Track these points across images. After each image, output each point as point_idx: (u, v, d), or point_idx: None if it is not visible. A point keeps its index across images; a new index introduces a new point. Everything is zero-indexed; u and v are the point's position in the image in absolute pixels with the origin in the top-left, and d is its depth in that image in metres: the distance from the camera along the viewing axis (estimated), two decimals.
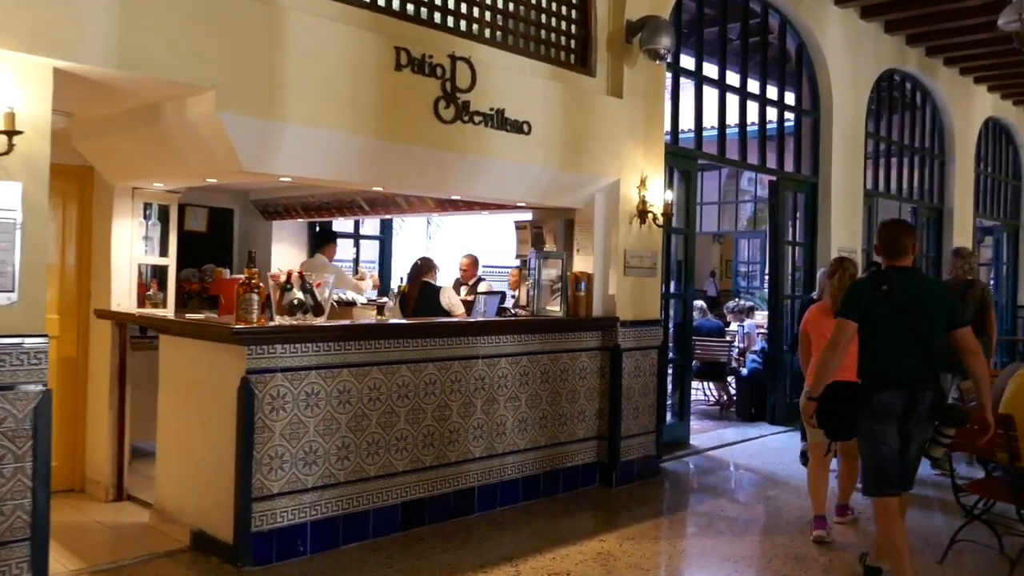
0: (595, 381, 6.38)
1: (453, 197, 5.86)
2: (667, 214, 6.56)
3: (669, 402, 7.93)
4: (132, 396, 5.62)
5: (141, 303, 5.75)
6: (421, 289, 6.88)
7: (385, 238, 10.51)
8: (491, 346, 5.63)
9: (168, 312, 5.83)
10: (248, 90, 4.23)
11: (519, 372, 5.82)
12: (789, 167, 9.43)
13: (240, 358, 4.40)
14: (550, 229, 6.60)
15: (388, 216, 8.27)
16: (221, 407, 4.50)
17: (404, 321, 5.99)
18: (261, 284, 4.53)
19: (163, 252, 5.90)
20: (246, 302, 4.43)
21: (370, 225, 10.59)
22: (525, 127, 5.59)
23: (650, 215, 6.55)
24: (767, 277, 9.88)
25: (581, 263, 6.45)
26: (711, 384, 10.21)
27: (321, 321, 4.77)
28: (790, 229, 9.46)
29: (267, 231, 9.76)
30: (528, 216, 6.90)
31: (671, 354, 7.91)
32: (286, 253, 9.71)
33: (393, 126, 4.89)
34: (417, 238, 15.65)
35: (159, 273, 5.91)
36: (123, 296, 5.57)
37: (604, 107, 6.24)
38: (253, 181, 7.55)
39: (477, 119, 5.28)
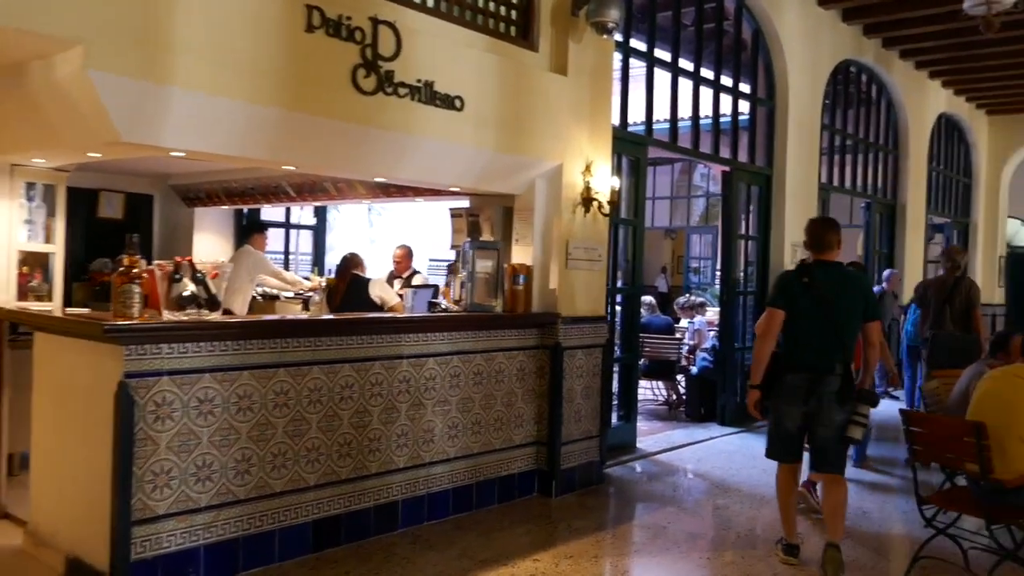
0: (534, 382, 5.88)
1: (378, 180, 5.29)
2: (613, 202, 6.08)
3: (615, 403, 7.48)
4: (12, 400, 4.97)
5: (22, 295, 5.10)
6: (349, 283, 6.32)
7: (319, 228, 9.90)
8: (417, 345, 5.10)
9: (53, 306, 5.18)
10: (124, 46, 3.62)
11: (449, 373, 5.29)
12: (743, 158, 9.03)
13: (117, 359, 3.79)
14: (487, 217, 6.07)
15: (318, 203, 7.68)
16: (97, 416, 3.89)
17: (316, 317, 5.43)
18: (145, 274, 3.93)
19: (48, 238, 5.24)
20: (125, 294, 3.83)
21: (304, 213, 9.96)
22: (457, 103, 5.06)
23: (595, 203, 6.06)
24: (718, 272, 9.47)
25: (520, 254, 5.94)
26: (660, 383, 9.79)
27: (216, 317, 4.18)
28: (743, 222, 9.06)
29: (189, 219, 9.11)
30: (466, 203, 6.37)
31: (617, 352, 7.45)
32: (210, 243, 9.08)
33: (304, 96, 4.31)
34: (357, 228, 15.02)
35: (43, 262, 5.25)
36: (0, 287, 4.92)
37: (546, 84, 5.73)
38: (153, 160, 6.92)
39: (402, 91, 4.73)
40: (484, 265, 5.57)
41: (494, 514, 5.48)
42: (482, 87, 5.22)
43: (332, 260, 13.79)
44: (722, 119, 8.61)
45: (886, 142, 12.00)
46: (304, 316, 6.22)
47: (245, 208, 9.16)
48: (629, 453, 7.26)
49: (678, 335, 9.85)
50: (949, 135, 14.01)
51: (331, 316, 5.48)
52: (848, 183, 11.18)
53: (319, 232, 9.80)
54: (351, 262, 6.49)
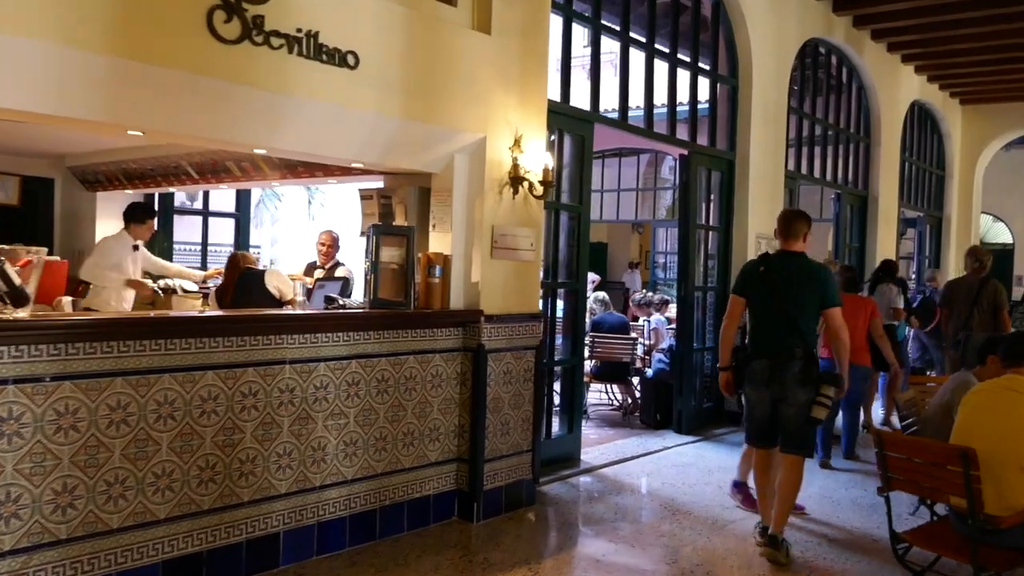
0: (453, 390, 5.09)
1: (258, 151, 4.46)
2: (547, 182, 5.29)
3: (557, 410, 6.71)
4: None
5: None
6: (241, 275, 5.48)
7: (241, 216, 9.02)
8: (305, 347, 4.28)
9: None
10: None
11: (346, 380, 4.49)
12: (703, 141, 8.29)
13: None
14: (401, 199, 5.27)
15: (224, 185, 6.81)
16: None
17: (162, 314, 4.60)
18: None
19: None
20: None
21: (225, 199, 9.09)
22: (351, 59, 4.25)
23: (526, 184, 5.28)
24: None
25: (438, 242, 5.14)
26: (615, 387, 9.03)
27: (23, 315, 3.34)
28: (703, 211, 8.32)
29: (91, 204, 8.23)
30: (380, 183, 5.56)
31: (560, 355, 6.67)
32: (115, 230, 8.19)
33: (143, 41, 3.48)
34: (298, 217, 14.11)
35: None
36: None
37: (466, 43, 4.93)
38: (45, 137, 6.06)
39: (276, 42, 3.91)
40: (391, 254, 4.76)
41: (401, 544, 4.68)
42: (384, 43, 4.41)
43: (277, 254, 12.93)
44: (679, 101, 7.85)
45: (857, 129, 11.33)
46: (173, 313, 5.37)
47: (156, 193, 8.31)
48: (571, 467, 6.48)
49: (634, 334, 9.10)
50: (922, 124, 13.39)
51: (183, 313, 4.66)
52: (817, 172, 10.48)
53: (241, 221, 8.92)
54: (241, 256, 5.65)
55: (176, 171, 6.86)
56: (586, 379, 8.65)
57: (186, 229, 8.98)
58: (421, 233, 5.21)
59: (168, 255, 8.46)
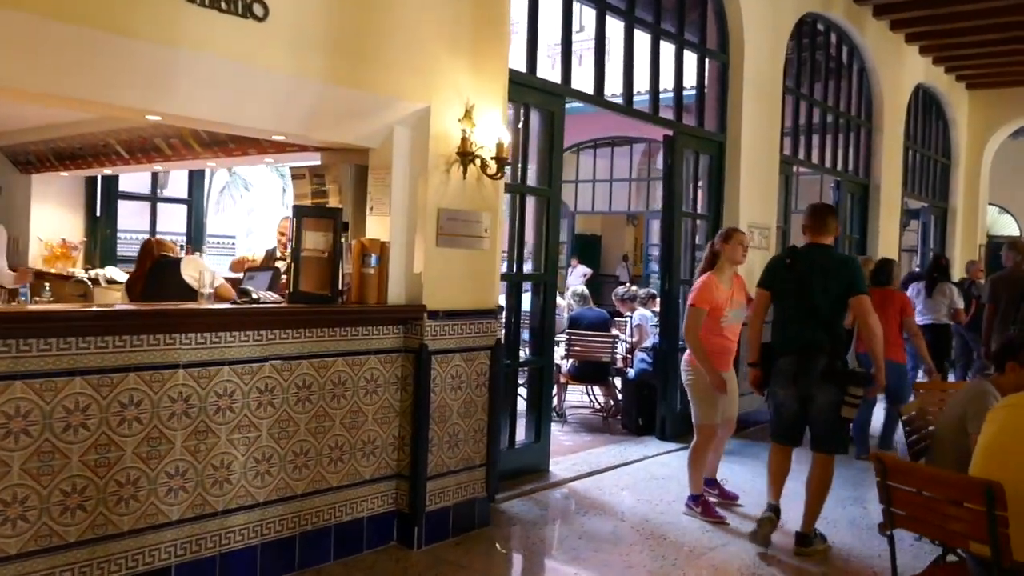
0: (392, 396, 4.44)
1: (152, 117, 3.79)
2: (501, 158, 4.62)
3: (524, 419, 6.05)
4: None
5: None
6: (153, 264, 4.83)
7: (193, 202, 8.35)
8: (203, 348, 3.63)
9: None
10: None
11: (257, 386, 3.84)
12: (690, 121, 7.62)
13: None
14: (334, 178, 4.62)
15: (156, 166, 6.17)
16: None
17: (10, 310, 3.94)
18: None
19: None
20: None
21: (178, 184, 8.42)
22: (257, 9, 3.59)
23: (478, 161, 4.61)
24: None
25: (377, 227, 4.49)
26: (596, 389, 8.37)
27: None
28: (690, 198, 7.65)
29: (26, 188, 7.56)
30: (317, 160, 4.89)
31: (526, 354, 6.03)
32: (54, 216, 7.55)
33: None
34: (271, 203, 13.52)
35: None
36: None
37: None
38: None
39: None
40: (316, 240, 4.09)
41: None
42: None
43: (253, 244, 12.28)
44: (663, 77, 7.18)
45: (858, 114, 10.65)
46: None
47: (99, 176, 7.65)
48: (538, 480, 5.83)
49: (616, 331, 8.44)
50: (927, 109, 12.70)
51: (39, 308, 4.00)
52: (816, 158, 9.81)
53: (195, 207, 8.26)
54: (155, 243, 4.97)
55: (106, 150, 6.19)
56: (563, 380, 8.03)
57: (134, 216, 8.33)
58: (359, 217, 4.57)
59: (112, 245, 7.82)
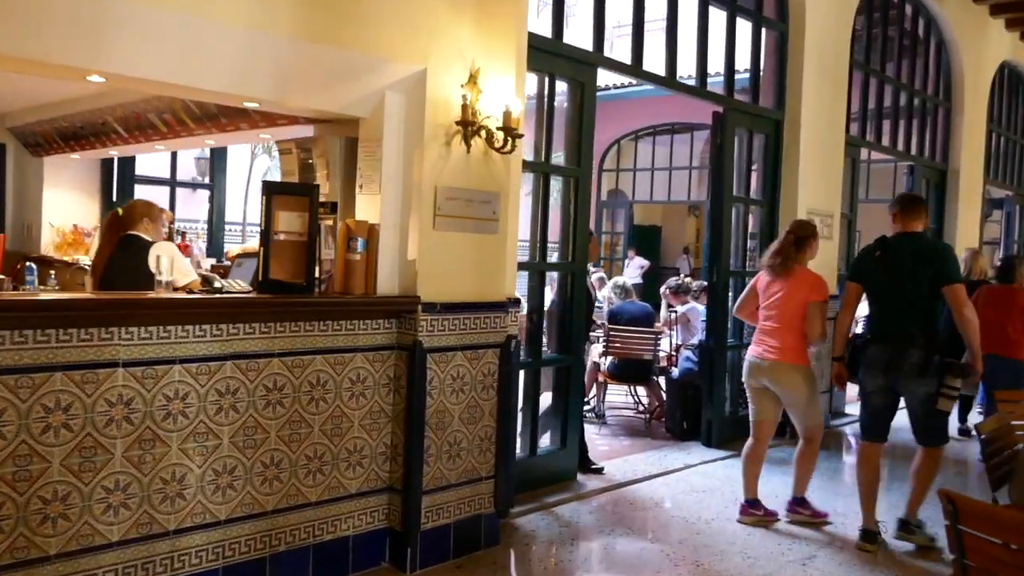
0: (383, 400, 3.92)
1: (95, 79, 3.31)
2: (510, 129, 4.02)
3: (557, 421, 5.48)
4: None
5: None
6: (119, 244, 4.38)
7: (215, 186, 7.98)
8: (149, 345, 3.15)
9: None
10: None
11: (217, 388, 3.35)
12: (743, 96, 6.92)
13: None
14: (322, 152, 4.10)
15: (159, 145, 5.76)
16: None
17: None
18: None
19: None
20: None
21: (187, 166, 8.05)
22: None
23: (484, 133, 4.05)
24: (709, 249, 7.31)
25: (366, 208, 3.96)
26: (639, 389, 7.73)
27: None
28: (742, 182, 6.95)
29: (38, 172, 7.27)
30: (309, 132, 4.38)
31: (546, 353, 5.46)
32: (69, 201, 7.25)
33: None
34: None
35: None
36: None
37: None
38: None
39: None
40: (290, 221, 3.58)
41: None
42: None
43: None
44: (712, 46, 6.50)
45: (935, 92, 9.75)
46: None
47: (115, 159, 7.33)
48: (563, 491, 5.26)
49: (657, 328, 7.79)
50: (1013, 89, 11.65)
51: None
52: (887, 140, 8.97)
53: (215, 192, 7.88)
54: (126, 215, 4.49)
55: (105, 129, 5.82)
56: (602, 379, 7.42)
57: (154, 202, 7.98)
58: (349, 197, 4.05)
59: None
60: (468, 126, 3.92)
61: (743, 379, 5.02)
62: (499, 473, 4.33)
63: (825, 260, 7.38)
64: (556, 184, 5.47)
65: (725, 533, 4.71)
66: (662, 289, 8.46)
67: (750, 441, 5.02)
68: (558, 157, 5.45)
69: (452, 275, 4.05)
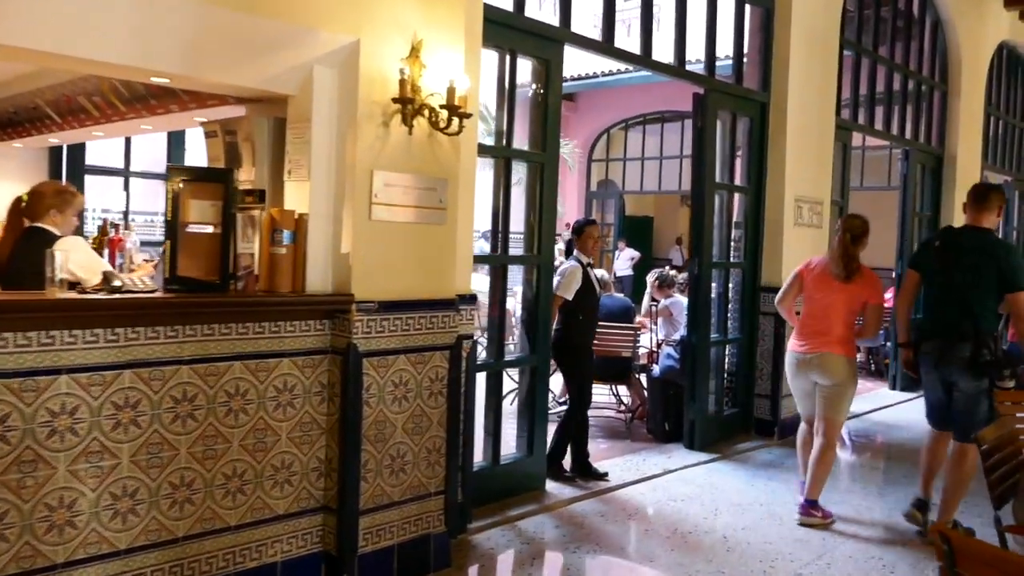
0: (314, 409, 3.52)
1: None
2: (455, 107, 3.60)
3: (519, 428, 5.09)
4: None
5: None
6: (22, 237, 3.97)
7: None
8: (27, 353, 2.75)
9: None
10: None
11: (114, 401, 2.95)
12: (725, 75, 6.51)
13: None
14: (247, 135, 3.69)
15: (98, 131, 5.35)
16: None
17: None
18: None
19: None
20: None
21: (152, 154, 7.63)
22: None
23: (427, 112, 3.64)
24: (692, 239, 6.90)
25: (296, 196, 3.56)
26: (620, 387, 7.33)
27: None
28: (726, 167, 6.54)
29: None
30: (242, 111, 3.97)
31: (512, 353, 5.06)
32: (17, 192, 6.83)
33: None
34: None
35: None
36: None
37: None
38: None
39: None
40: (201, 211, 3.18)
41: None
42: None
43: None
44: (692, 22, 6.08)
45: (931, 74, 9.33)
46: None
47: (64, 147, 6.92)
48: (530, 502, 4.86)
49: (643, 321, 7.40)
50: (1012, 71, 11.22)
51: None
52: (880, 124, 8.56)
53: None
54: (31, 205, 4.05)
55: (38, 114, 5.43)
56: None
57: (109, 194, 7.59)
58: (278, 184, 3.65)
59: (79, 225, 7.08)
60: (407, 104, 3.52)
61: (787, 378, 4.95)
62: (450, 488, 3.93)
63: (815, 249, 7.00)
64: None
65: (702, 548, 4.32)
66: (648, 278, 8.04)
67: (803, 427, 4.99)
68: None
69: (393, 270, 3.65)
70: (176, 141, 7.49)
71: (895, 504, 5.11)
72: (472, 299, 4.23)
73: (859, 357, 10.49)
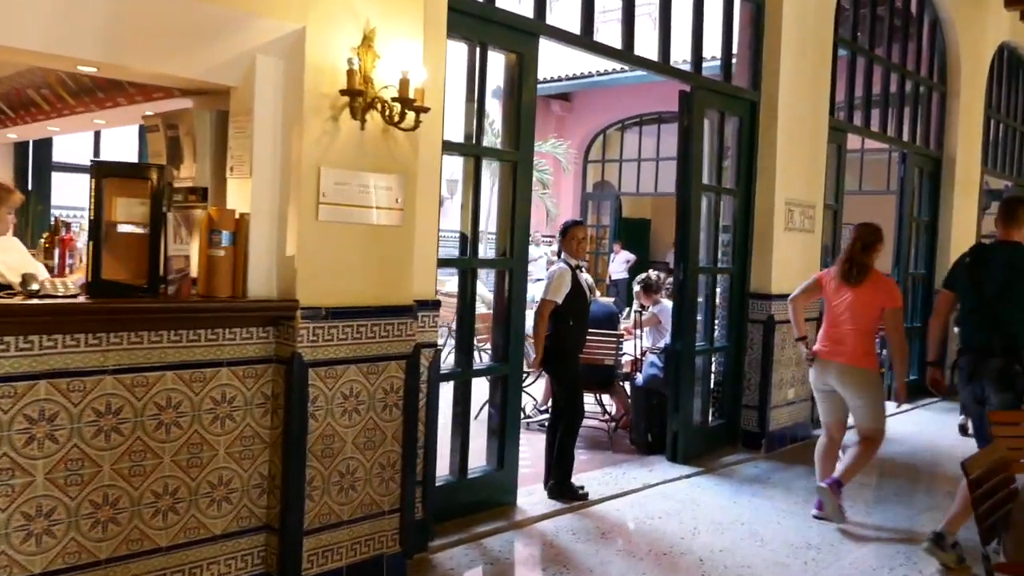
0: (257, 422, 3.29)
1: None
2: (406, 100, 3.37)
3: (488, 441, 4.86)
4: None
5: None
6: None
7: None
8: None
9: None
10: None
11: (27, 414, 2.72)
12: (712, 73, 6.27)
13: None
14: (188, 129, 3.47)
15: (53, 127, 5.16)
16: None
17: None
18: None
19: None
20: None
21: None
22: None
23: (380, 106, 3.41)
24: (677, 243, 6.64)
25: (238, 195, 3.33)
26: (606, 396, 7.07)
27: None
28: (713, 168, 6.30)
29: None
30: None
31: (482, 361, 4.83)
32: None
33: None
34: None
35: None
36: None
37: None
38: None
39: None
40: (129, 209, 2.95)
41: None
42: None
43: None
44: (677, 17, 5.85)
45: (929, 74, 9.10)
46: None
47: (31, 143, 6.72)
48: (498, 518, 4.62)
49: (627, 326, 7.17)
50: (1013, 72, 10.97)
51: None
52: (876, 125, 8.33)
53: None
54: None
55: None
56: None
57: (78, 192, 7.36)
58: (221, 181, 3.42)
59: (45, 224, 6.86)
60: (356, 96, 3.28)
61: (810, 381, 5.03)
62: (406, 505, 3.70)
63: (807, 254, 6.77)
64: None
65: (677, 571, 4.08)
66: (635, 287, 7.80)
67: (823, 439, 5.03)
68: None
69: (343, 274, 3.42)
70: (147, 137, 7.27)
71: (883, 521, 4.87)
72: (435, 305, 4.00)
73: None
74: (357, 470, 3.51)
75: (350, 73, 3.25)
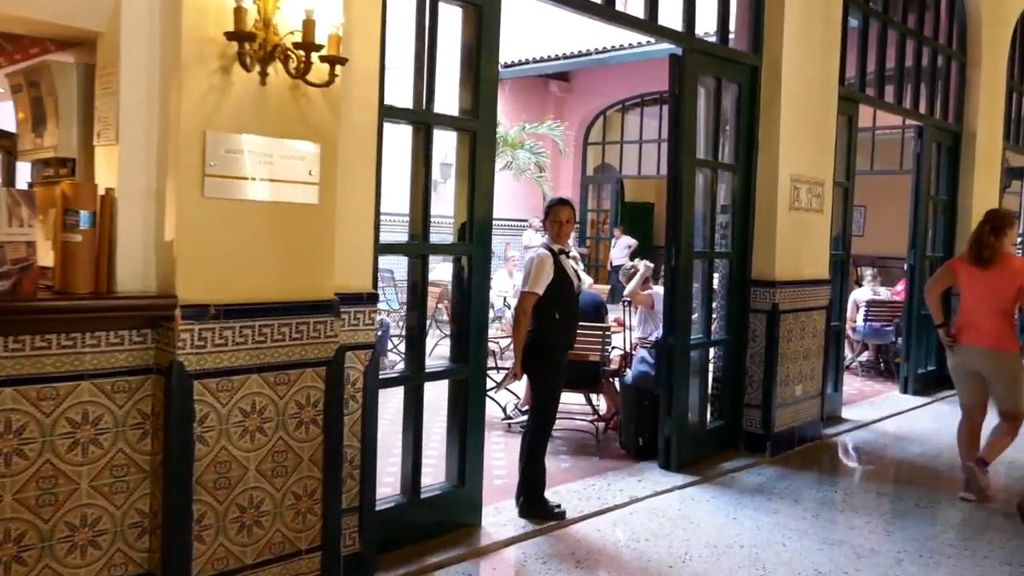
0: (131, 447, 2.67)
1: None
2: (311, 45, 2.71)
3: (448, 454, 4.23)
4: None
5: None
6: None
7: None
8: None
9: None
10: None
11: None
12: (706, 33, 5.60)
13: None
14: (51, 88, 2.82)
15: None
16: None
17: None
18: None
19: None
20: None
21: None
22: None
23: (283, 57, 2.76)
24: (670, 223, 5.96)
25: (106, 166, 2.70)
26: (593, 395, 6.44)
27: None
28: (710, 142, 5.63)
29: None
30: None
31: (444, 364, 4.20)
32: None
33: None
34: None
35: None
36: None
37: None
38: None
39: None
40: None
41: None
42: None
43: None
44: None
45: (948, 42, 8.37)
46: None
47: None
48: (457, 544, 3.99)
49: (617, 319, 6.53)
50: None
51: None
52: (891, 96, 7.63)
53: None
54: None
55: None
56: None
57: None
58: (87, 152, 2.78)
59: None
60: (245, 40, 2.63)
61: (948, 366, 5.10)
62: (329, 541, 3.07)
63: (815, 237, 6.11)
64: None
65: None
66: (619, 274, 7.14)
67: (963, 421, 5.10)
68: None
69: (240, 263, 2.79)
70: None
71: (904, 541, 4.23)
72: (371, 299, 3.36)
73: (866, 355, 9.61)
74: (263, 502, 2.88)
75: (238, 11, 2.59)
